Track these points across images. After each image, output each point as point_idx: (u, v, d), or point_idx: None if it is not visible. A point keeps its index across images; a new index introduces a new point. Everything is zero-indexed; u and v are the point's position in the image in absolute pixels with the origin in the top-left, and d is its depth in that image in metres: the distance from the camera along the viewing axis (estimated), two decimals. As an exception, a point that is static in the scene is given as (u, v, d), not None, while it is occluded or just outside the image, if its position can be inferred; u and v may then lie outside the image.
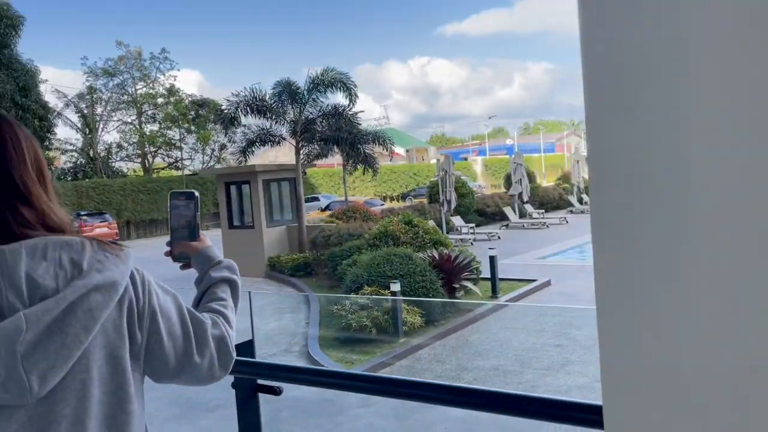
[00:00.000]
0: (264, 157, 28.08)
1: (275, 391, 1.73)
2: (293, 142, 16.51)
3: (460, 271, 10.79)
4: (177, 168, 38.00)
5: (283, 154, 22.54)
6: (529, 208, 25.20)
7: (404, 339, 9.23)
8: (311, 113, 16.50)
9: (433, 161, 66.76)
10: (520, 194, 24.48)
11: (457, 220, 21.33)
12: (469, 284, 11.02)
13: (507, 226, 23.42)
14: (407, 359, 8.66)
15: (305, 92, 16.22)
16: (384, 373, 8.26)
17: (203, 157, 38.33)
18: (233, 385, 1.77)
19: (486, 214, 25.07)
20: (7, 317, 0.94)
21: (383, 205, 31.54)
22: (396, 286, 9.25)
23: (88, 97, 34.65)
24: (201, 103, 35.69)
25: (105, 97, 35.55)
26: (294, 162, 16.87)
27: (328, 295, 10.47)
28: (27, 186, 1.05)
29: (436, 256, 10.79)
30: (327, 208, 28.07)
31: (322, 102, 16.65)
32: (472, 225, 21.03)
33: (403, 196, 44.04)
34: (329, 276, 14.01)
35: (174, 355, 1.13)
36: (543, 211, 26.13)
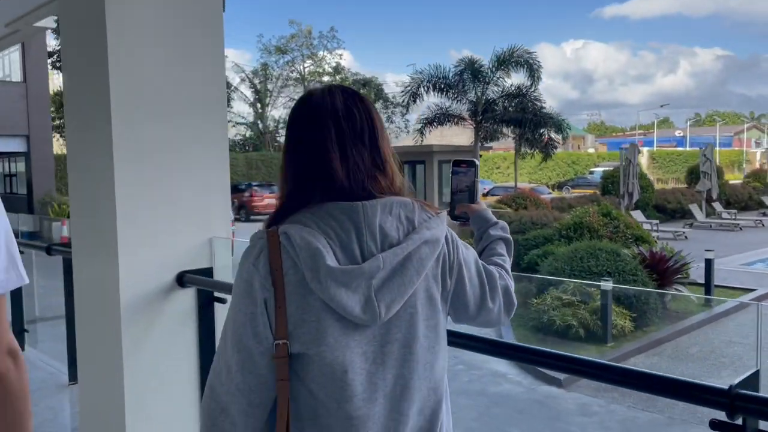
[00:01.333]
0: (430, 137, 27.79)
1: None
2: (471, 122, 15.90)
3: (673, 273, 9.64)
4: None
5: (454, 134, 22.00)
6: (717, 206, 22.74)
7: (613, 344, 8.35)
8: (493, 93, 15.78)
9: (591, 150, 63.34)
10: (709, 191, 22.11)
11: (637, 215, 19.61)
12: (682, 288, 9.85)
13: (691, 225, 21.26)
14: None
15: (489, 71, 15.51)
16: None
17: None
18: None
19: (665, 210, 22.99)
20: (366, 258, 1.16)
21: (551, 193, 30.12)
22: (607, 284, 8.37)
23: (261, 73, 36.35)
24: (364, 83, 36.12)
25: (276, 74, 37.09)
26: (468, 143, 16.29)
27: (550, 278, 9.76)
28: (386, 157, 1.24)
29: (647, 255, 9.71)
30: (488, 193, 27.23)
31: (504, 82, 15.87)
32: (656, 222, 19.28)
33: (560, 186, 41.99)
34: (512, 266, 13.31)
35: (473, 300, 1.30)
36: (735, 211, 23.48)
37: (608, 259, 9.23)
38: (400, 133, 37.47)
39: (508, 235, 1.52)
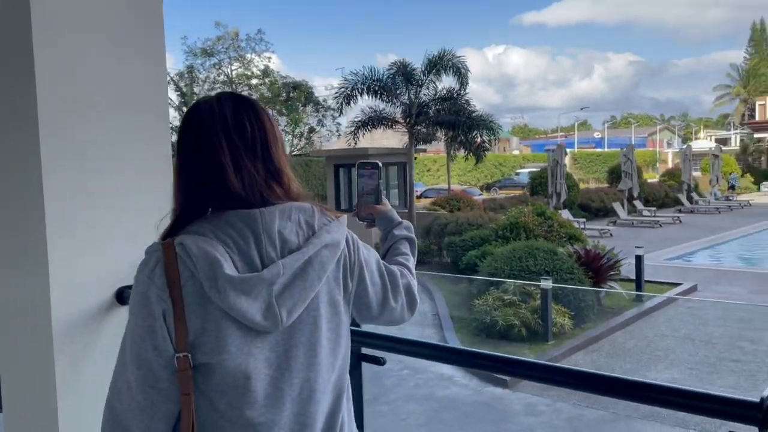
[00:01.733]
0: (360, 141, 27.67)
1: (378, 361, 1.77)
2: (405, 125, 15.88)
3: (607, 271, 9.89)
4: (266, 149, 38.27)
5: (384, 137, 21.97)
6: (638, 204, 23.72)
7: (554, 342, 8.45)
8: (426, 96, 15.82)
9: (516, 152, 65.05)
10: (630, 190, 23.04)
11: (565, 214, 20.15)
12: (615, 285, 10.11)
13: (615, 222, 22.07)
14: (565, 365, 7.88)
15: (422, 74, 15.54)
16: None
17: (293, 140, 38.42)
18: None
19: (590, 209, 23.77)
20: (266, 265, 1.17)
21: (481, 195, 30.60)
22: (547, 283, 8.46)
23: (187, 76, 35.26)
24: (294, 86, 35.65)
25: (202, 77, 36.07)
26: (402, 146, 16.27)
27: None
28: (281, 166, 1.25)
29: (582, 253, 9.91)
30: (421, 195, 27.39)
31: (435, 85, 15.95)
32: (583, 220, 19.88)
33: (488, 187, 42.84)
34: (448, 266, 13.35)
35: (376, 300, 1.35)
36: (654, 208, 24.56)
37: (546, 258, 9.36)
38: (331, 136, 37.19)
39: (412, 235, 1.57)
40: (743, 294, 10.99)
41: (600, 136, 69.24)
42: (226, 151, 1.19)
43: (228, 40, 36.00)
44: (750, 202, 29.27)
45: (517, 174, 46.07)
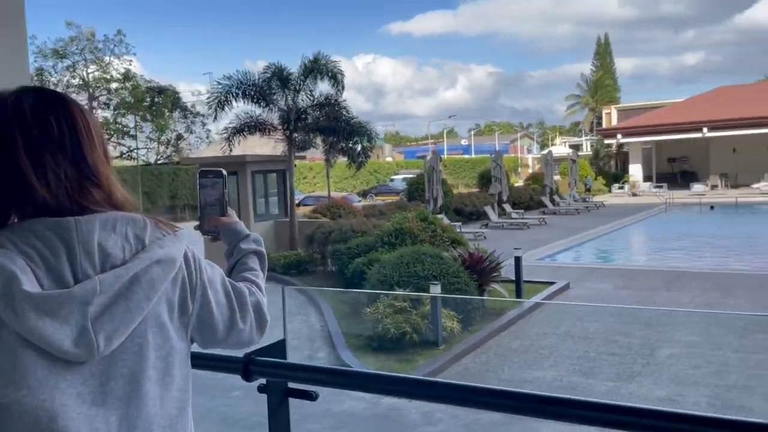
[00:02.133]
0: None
1: (311, 396, 1.62)
2: (283, 131, 15.50)
3: (490, 272, 10.15)
4: (130, 158, 36.01)
5: (256, 145, 21.38)
6: (507, 207, 24.88)
7: (444, 346, 8.51)
8: (304, 102, 15.56)
9: (389, 159, 66.25)
10: (500, 194, 24.12)
11: (442, 219, 20.70)
12: (497, 286, 10.40)
13: (487, 225, 22.99)
14: (454, 369, 7.94)
15: (299, 79, 15.25)
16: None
17: (159, 147, 36.46)
18: (264, 389, 1.65)
19: (463, 213, 24.58)
20: (80, 281, 1.02)
21: (360, 201, 30.68)
22: (436, 288, 8.51)
23: (36, 78, 32.30)
24: (159, 90, 33.85)
25: (54, 80, 33.25)
26: (281, 153, 15.88)
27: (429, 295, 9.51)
28: (98, 168, 1.12)
29: (466, 256, 10.10)
30: (300, 204, 26.98)
31: (313, 91, 15.73)
32: (459, 224, 20.47)
33: (364, 194, 43.18)
34: (333, 275, 13.13)
35: (222, 322, 1.24)
36: (522, 211, 25.87)
37: (433, 263, 9.43)
38: (201, 143, 35.71)
39: (262, 248, 1.48)
40: (610, 289, 11.75)
41: (467, 143, 72.29)
42: (22, 150, 1.05)
43: (83, 40, 33.52)
44: (604, 203, 31.74)
45: (392, 180, 46.87)
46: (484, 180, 30.16)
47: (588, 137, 68.62)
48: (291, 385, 1.71)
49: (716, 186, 38.31)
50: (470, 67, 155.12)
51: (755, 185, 35.72)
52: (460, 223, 21.01)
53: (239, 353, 1.64)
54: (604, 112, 63.66)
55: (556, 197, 30.21)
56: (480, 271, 9.95)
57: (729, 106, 38.88)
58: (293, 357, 8.82)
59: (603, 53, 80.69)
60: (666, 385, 6.95)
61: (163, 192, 32.57)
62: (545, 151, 45.94)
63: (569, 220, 25.42)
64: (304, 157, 21.37)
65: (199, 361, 1.97)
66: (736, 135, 38.09)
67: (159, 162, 36.06)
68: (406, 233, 11.20)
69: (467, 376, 7.75)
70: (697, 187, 36.55)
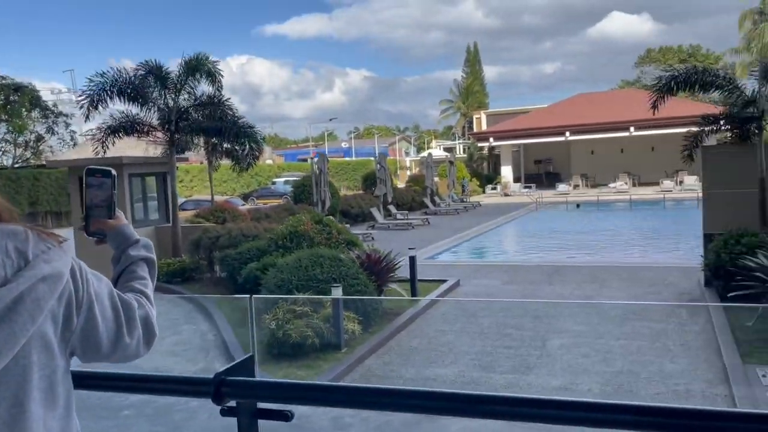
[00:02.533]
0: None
1: (286, 417, 1.49)
2: (162, 131, 14.73)
3: (387, 272, 10.23)
4: (-19, 161, 32.69)
5: (129, 147, 20.19)
6: (392, 209, 25.28)
7: (347, 349, 8.44)
8: (185, 101, 14.87)
9: (270, 161, 65.09)
10: (385, 195, 24.46)
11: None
12: (394, 286, 10.50)
13: (373, 226, 23.23)
14: (359, 371, 7.90)
15: (180, 77, 14.56)
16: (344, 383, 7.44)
17: (16, 150, 33.37)
18: (230, 412, 1.50)
19: (350, 214, 24.68)
20: None
21: (245, 205, 29.81)
22: (338, 291, 8.43)
23: None
24: (16, 88, 30.97)
25: None
26: (159, 155, 15.08)
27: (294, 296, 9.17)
28: None
29: (364, 258, 10.10)
30: (180, 208, 25.74)
31: (194, 90, 15.08)
32: (348, 225, 20.47)
33: (245, 197, 42.10)
34: (222, 282, 12.64)
35: (107, 338, 1.17)
36: (406, 211, 26.37)
37: (332, 265, 9.33)
38: (64, 145, 33.09)
39: (152, 255, 1.40)
40: (498, 285, 12.25)
41: (347, 145, 72.73)
42: None
43: None
44: (480, 203, 33.16)
45: (274, 183, 46.11)
46: (369, 182, 30.49)
47: (461, 140, 71.53)
48: (261, 405, 1.58)
49: (578, 186, 41.25)
50: (346, 70, 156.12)
51: (612, 184, 38.85)
52: (348, 225, 21.03)
53: (209, 374, 1.50)
54: (475, 116, 66.56)
55: (436, 198, 31.14)
56: (378, 271, 9.99)
57: (587, 111, 42.07)
58: (188, 369, 8.36)
59: (473, 61, 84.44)
60: (560, 375, 7.33)
61: (22, 198, 29.85)
62: (425, 154, 47.24)
63: (450, 219, 26.28)
64: (186, 159, 20.41)
65: (163, 385, 1.77)
66: (594, 138, 41.29)
67: (16, 166, 33.02)
68: (301, 236, 11.01)
69: (371, 377, 7.74)
70: (561, 187, 39.15)
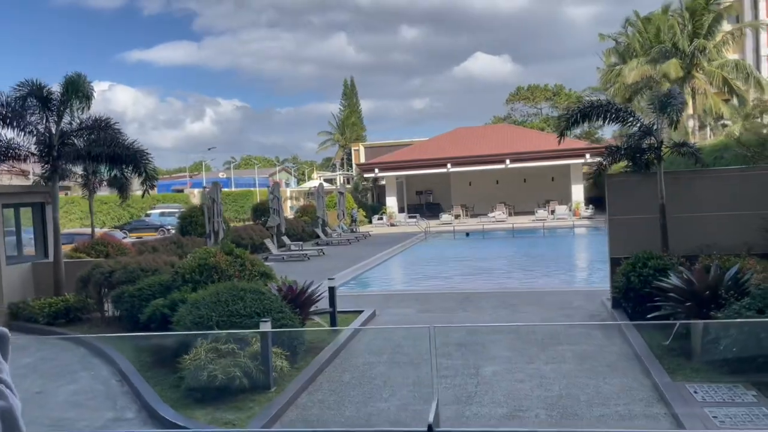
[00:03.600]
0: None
1: None
2: (40, 158, 13.36)
3: (310, 305, 9.77)
4: None
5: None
6: (286, 240, 24.62)
7: (276, 388, 7.87)
8: (68, 125, 13.62)
9: (138, 192, 61.72)
10: (279, 226, 23.80)
11: (222, 253, 19.65)
12: (317, 318, 10.04)
13: (267, 258, 22.43)
14: (293, 412, 7.37)
15: (63, 99, 13.34)
16: (277, 428, 6.89)
17: None
18: None
19: (241, 246, 23.63)
20: None
21: (125, 237, 27.70)
22: (267, 326, 7.86)
23: None
24: None
25: None
26: (34, 183, 13.65)
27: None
28: None
29: (285, 290, 9.58)
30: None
31: (76, 112, 13.86)
32: (242, 258, 19.62)
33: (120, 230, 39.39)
34: (116, 321, 11.50)
35: None
36: (301, 242, 25.79)
37: (254, 299, 8.74)
38: None
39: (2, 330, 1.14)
40: (413, 313, 12.14)
41: (224, 176, 70.61)
42: None
43: None
44: (370, 233, 33.27)
45: (148, 215, 43.64)
46: (258, 212, 29.61)
47: (341, 172, 71.98)
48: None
49: (459, 215, 42.69)
50: (217, 100, 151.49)
51: (491, 214, 40.58)
52: (241, 257, 20.17)
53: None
54: (353, 148, 67.36)
55: (327, 228, 30.83)
56: (300, 304, 9.51)
57: (466, 144, 43.94)
58: (95, 422, 7.38)
59: (350, 94, 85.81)
60: (504, 403, 7.25)
61: None
62: (312, 184, 46.85)
63: (344, 250, 26.04)
64: (68, 188, 18.66)
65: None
66: (473, 170, 43.11)
67: None
68: (212, 269, 10.27)
69: (308, 414, 7.24)
70: (445, 217, 40.31)
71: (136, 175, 13.64)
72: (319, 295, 10.24)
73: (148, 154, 13.49)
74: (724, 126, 34.32)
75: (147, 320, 9.99)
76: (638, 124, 10.48)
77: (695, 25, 36.22)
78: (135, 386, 8.20)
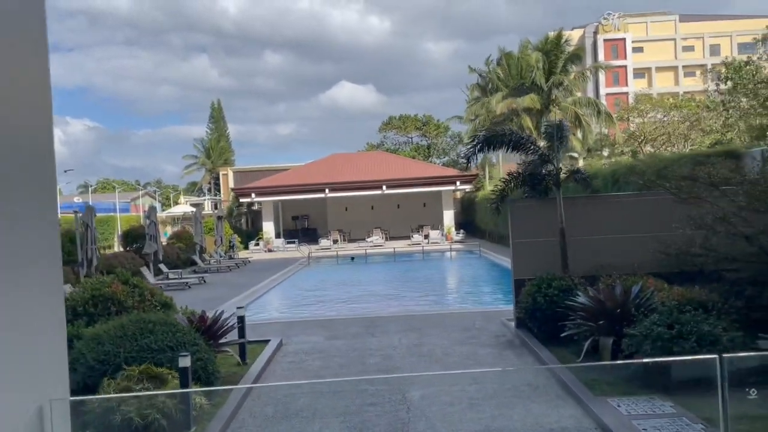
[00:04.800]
0: None
1: None
2: None
3: (222, 335, 9.18)
4: None
5: None
6: (164, 267, 23.17)
7: (196, 427, 7.25)
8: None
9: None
10: (156, 253, 22.36)
11: (96, 283, 18.06)
12: (228, 349, 9.45)
13: (144, 288, 20.95)
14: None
15: None
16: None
17: None
18: None
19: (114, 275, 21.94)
20: None
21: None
22: (186, 361, 7.24)
23: None
24: None
25: None
26: None
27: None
28: None
29: (196, 320, 8.94)
30: None
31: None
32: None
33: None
34: None
35: None
36: (180, 270, 24.35)
37: (165, 332, 8.04)
38: None
39: None
40: (322, 341, 11.80)
41: (81, 200, 65.50)
42: None
43: None
44: (249, 259, 32.25)
45: (-7, 242, 39.34)
46: (130, 239, 27.69)
47: (209, 197, 69.66)
48: None
49: (337, 240, 42.69)
50: (66, 119, 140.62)
51: (369, 239, 40.99)
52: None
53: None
54: (221, 172, 65.60)
55: (205, 255, 29.48)
56: (212, 335, 8.90)
57: (341, 170, 44.25)
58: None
59: (218, 117, 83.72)
60: (442, 429, 7.19)
61: None
62: (183, 209, 44.70)
63: (226, 277, 25.00)
64: None
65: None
66: (349, 196, 43.44)
67: None
68: (108, 299, 9.36)
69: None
70: (324, 242, 40.12)
71: None
72: (230, 325, 9.67)
73: None
74: (572, 158, 37.52)
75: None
76: (539, 152, 11.05)
77: (550, 64, 39.38)
78: (27, 436, 7.18)
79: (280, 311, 16.95)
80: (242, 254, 35.24)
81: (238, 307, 10.27)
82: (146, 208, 65.54)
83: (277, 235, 43.27)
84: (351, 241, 43.15)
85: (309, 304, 17.80)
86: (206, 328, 8.88)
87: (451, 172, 43.29)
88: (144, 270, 21.80)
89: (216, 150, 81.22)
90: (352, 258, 31.42)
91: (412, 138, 65.32)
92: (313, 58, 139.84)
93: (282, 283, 22.48)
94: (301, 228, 48.13)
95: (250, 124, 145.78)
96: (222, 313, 9.60)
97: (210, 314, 9.81)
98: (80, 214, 17.85)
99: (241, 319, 10.00)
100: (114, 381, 7.31)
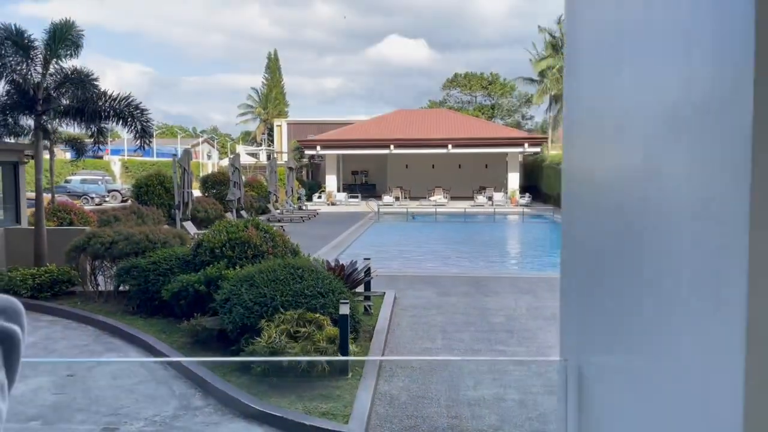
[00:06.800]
0: None
1: None
2: (29, 112, 11.93)
3: (358, 283, 9.25)
4: None
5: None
6: (245, 215, 23.51)
7: (352, 374, 7.34)
8: (53, 77, 12.22)
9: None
10: (239, 200, 22.68)
11: (189, 226, 18.45)
12: (361, 298, 9.53)
13: (228, 233, 21.35)
14: (383, 402, 6.89)
15: (49, 47, 11.92)
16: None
17: None
18: None
19: (196, 219, 22.41)
20: None
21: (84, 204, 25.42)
22: (345, 308, 7.30)
23: None
24: None
25: None
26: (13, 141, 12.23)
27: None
28: None
29: (334, 267, 9.01)
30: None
31: (59, 63, 12.45)
32: (204, 231, 18.52)
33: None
34: (116, 296, 10.46)
35: None
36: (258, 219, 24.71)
37: (312, 278, 8.12)
38: None
39: (8, 325, 0.84)
40: (435, 297, 11.81)
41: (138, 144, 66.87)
42: None
43: None
44: (317, 212, 32.50)
45: (68, 181, 40.65)
46: (209, 185, 28.18)
47: (264, 147, 70.22)
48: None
49: (398, 197, 42.67)
50: (118, 63, 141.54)
51: (432, 198, 40.79)
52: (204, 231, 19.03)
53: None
54: (276, 124, 65.92)
55: (277, 204, 29.83)
56: (350, 283, 8.97)
57: (406, 127, 43.83)
58: (153, 410, 6.58)
59: (273, 68, 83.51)
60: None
61: None
62: (268, 159, 45.18)
63: (301, 227, 25.25)
64: (47, 149, 16.83)
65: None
66: (412, 153, 43.14)
67: None
68: (244, 244, 9.49)
69: (413, 417, 6.77)
70: (387, 198, 40.13)
71: (132, 130, 12.45)
72: (361, 276, 9.73)
73: (145, 109, 12.34)
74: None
75: (172, 297, 9.10)
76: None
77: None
78: (191, 370, 7.40)
79: (377, 265, 17.04)
80: (309, 206, 35.54)
81: (365, 258, 10.31)
82: (197, 155, 66.10)
83: (339, 189, 43.47)
84: (412, 198, 43.03)
85: (402, 259, 17.82)
86: (345, 276, 8.94)
87: (520, 133, 42.45)
88: (229, 216, 22.15)
89: (271, 101, 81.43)
90: (414, 217, 31.28)
91: (476, 97, 64.05)
92: (362, 10, 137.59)
93: (361, 236, 22.58)
94: (360, 183, 48.19)
95: (297, 77, 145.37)
96: (356, 262, 9.65)
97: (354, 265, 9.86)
98: (178, 157, 18.13)
99: (367, 272, 10.04)
100: (272, 324, 7.44)
